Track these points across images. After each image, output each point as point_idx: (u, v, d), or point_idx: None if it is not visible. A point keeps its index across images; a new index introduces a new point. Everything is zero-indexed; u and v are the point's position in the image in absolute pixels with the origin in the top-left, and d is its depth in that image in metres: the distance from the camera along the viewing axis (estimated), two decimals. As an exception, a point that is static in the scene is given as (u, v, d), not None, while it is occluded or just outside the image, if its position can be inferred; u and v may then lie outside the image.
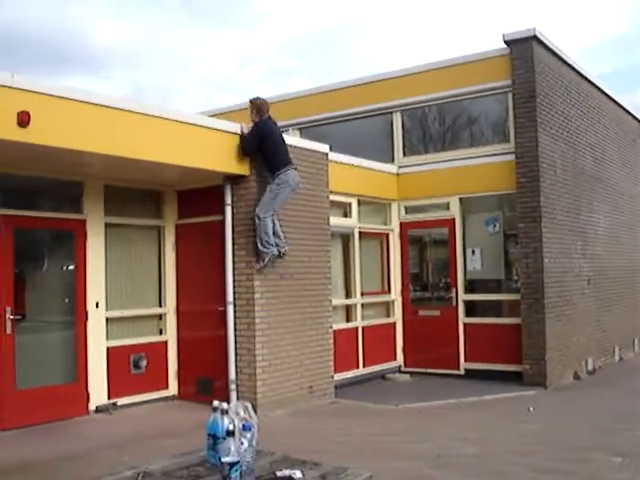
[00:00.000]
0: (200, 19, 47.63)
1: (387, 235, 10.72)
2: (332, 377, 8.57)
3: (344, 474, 2.93)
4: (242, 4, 45.80)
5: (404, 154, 10.82)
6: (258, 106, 7.59)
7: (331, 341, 8.55)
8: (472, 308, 10.14)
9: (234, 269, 7.67)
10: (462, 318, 10.06)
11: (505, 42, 9.52)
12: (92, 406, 7.41)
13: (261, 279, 7.58)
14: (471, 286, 10.20)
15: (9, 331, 6.74)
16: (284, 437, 5.74)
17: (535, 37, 9.36)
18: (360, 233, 10.02)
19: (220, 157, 7.35)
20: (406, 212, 10.76)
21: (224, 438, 2.88)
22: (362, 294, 10.00)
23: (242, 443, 2.76)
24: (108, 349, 7.62)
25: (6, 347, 6.73)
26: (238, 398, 7.43)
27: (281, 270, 7.81)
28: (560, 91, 10.17)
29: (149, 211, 8.42)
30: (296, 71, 42.86)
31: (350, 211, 9.88)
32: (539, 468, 5.33)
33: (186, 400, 8.06)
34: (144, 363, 7.94)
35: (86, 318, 7.44)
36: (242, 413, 3.01)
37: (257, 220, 7.38)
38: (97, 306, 7.54)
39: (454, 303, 10.13)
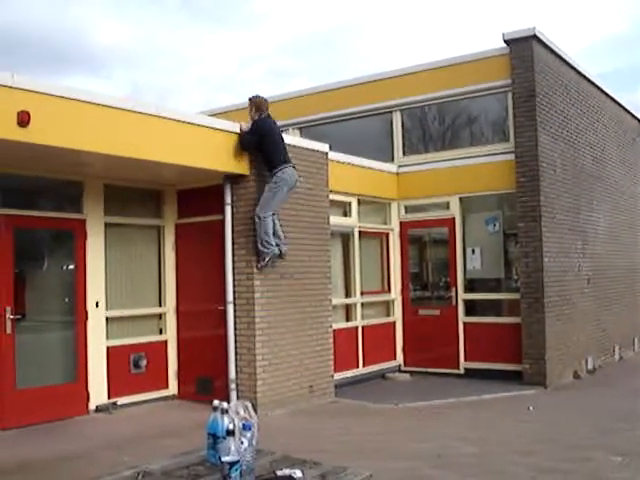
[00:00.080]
0: (200, 19, 47.65)
1: (387, 234, 10.72)
2: (332, 376, 8.58)
3: (344, 473, 2.94)
4: (242, 4, 45.82)
5: (404, 153, 10.82)
6: (257, 104, 7.61)
7: (331, 340, 8.56)
8: (472, 307, 10.14)
9: (234, 268, 7.68)
10: (462, 317, 10.06)
11: (505, 41, 9.52)
12: (92, 406, 7.41)
13: (261, 278, 7.59)
14: (471, 285, 10.20)
15: (9, 331, 6.75)
16: (284, 436, 5.74)
17: (535, 36, 9.36)
18: (360, 232, 10.02)
19: (220, 156, 7.35)
20: (406, 211, 10.76)
21: (224, 437, 2.87)
22: (362, 293, 10.00)
23: (242, 442, 2.77)
24: (108, 349, 7.63)
25: (6, 347, 6.73)
26: (238, 397, 7.44)
27: (281, 269, 7.81)
28: (560, 90, 10.17)
29: (149, 211, 8.42)
30: (296, 71, 42.87)
31: (350, 210, 9.88)
32: (539, 467, 5.33)
33: (186, 400, 8.06)
34: (144, 363, 7.95)
35: (86, 318, 7.44)
36: (242, 412, 3.01)
37: (257, 220, 7.39)
38: (97, 306, 7.54)
39: (454, 302, 10.13)
